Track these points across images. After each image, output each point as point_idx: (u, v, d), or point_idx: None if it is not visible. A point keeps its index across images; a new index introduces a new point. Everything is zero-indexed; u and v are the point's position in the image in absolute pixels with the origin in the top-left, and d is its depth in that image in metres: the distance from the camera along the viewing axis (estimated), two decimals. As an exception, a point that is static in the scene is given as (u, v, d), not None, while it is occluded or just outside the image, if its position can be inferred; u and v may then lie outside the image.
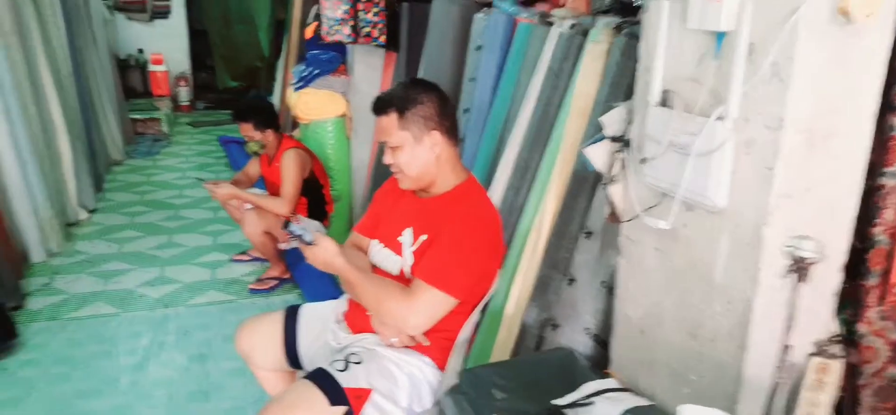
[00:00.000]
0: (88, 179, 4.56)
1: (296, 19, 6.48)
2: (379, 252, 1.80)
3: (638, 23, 1.84)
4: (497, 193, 2.29)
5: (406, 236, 1.72)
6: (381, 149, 3.76)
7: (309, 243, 1.70)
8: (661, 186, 1.39)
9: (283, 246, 3.58)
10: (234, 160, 5.69)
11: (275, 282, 3.50)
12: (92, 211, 4.47)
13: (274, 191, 3.47)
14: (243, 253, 3.86)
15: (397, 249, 1.73)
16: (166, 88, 7.89)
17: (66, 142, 4.19)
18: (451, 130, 1.69)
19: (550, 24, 2.30)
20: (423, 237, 1.66)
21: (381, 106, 1.67)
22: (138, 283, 3.46)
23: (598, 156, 1.55)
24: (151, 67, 7.82)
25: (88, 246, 3.91)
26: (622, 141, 1.49)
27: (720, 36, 1.28)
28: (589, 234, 1.76)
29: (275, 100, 7.24)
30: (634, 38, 1.77)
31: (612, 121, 1.53)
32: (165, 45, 7.99)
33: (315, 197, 3.58)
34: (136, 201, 4.79)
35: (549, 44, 2.18)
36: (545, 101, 2.13)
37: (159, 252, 3.88)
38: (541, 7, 2.87)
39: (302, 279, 3.47)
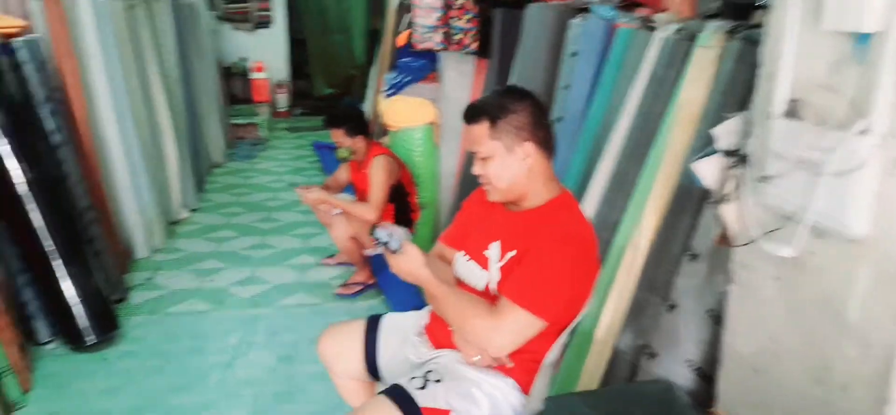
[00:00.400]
0: (191, 180, 4.80)
1: (390, 28, 6.57)
2: (464, 265, 1.73)
3: (754, 26, 1.66)
4: (591, 206, 2.16)
5: (493, 251, 1.64)
6: (469, 158, 3.72)
7: (394, 251, 1.65)
8: (785, 207, 1.22)
9: (368, 252, 3.61)
10: (327, 165, 5.82)
11: (360, 287, 3.51)
12: (193, 210, 4.69)
13: (362, 197, 3.48)
14: (331, 257, 3.91)
15: (484, 263, 1.65)
16: (266, 95, 8.22)
17: (172, 145, 4.43)
18: (546, 141, 1.59)
19: (652, 28, 2.15)
20: (512, 253, 1.57)
21: (473, 114, 1.59)
22: (231, 282, 3.57)
23: (709, 171, 1.39)
24: (253, 75, 8.18)
25: (188, 244, 4.10)
26: (737, 156, 1.33)
27: (863, 38, 1.10)
28: (693, 256, 1.60)
29: (367, 107, 7.38)
30: (751, 42, 1.60)
31: (726, 133, 1.37)
32: (267, 53, 8.35)
33: (401, 204, 3.56)
34: (234, 202, 4.99)
35: (652, 49, 2.02)
36: (646, 110, 1.98)
37: (252, 252, 4.00)
38: (641, 12, 2.71)
39: (386, 286, 3.46)
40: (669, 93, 1.90)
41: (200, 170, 5.27)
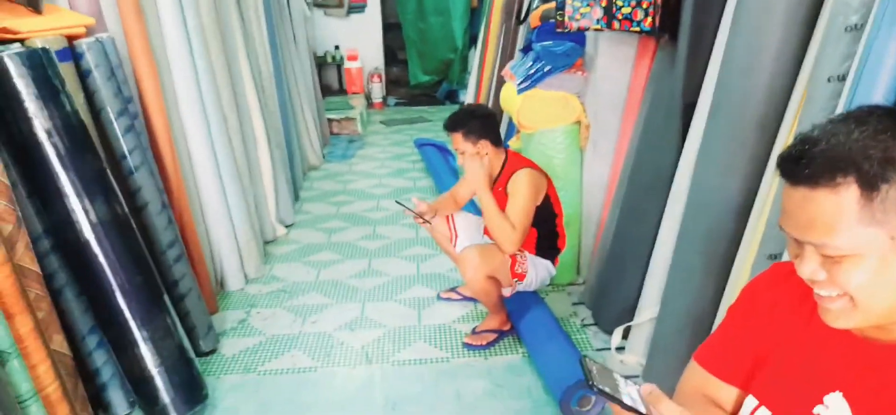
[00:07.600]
0: (287, 191, 4.23)
1: (497, 4, 5.76)
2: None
3: None
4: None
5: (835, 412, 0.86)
6: (630, 165, 2.82)
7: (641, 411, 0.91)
8: None
9: (507, 292, 2.87)
10: (432, 165, 5.11)
11: (494, 335, 2.78)
12: (289, 226, 4.12)
13: (495, 221, 2.73)
14: (452, 290, 3.21)
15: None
16: (360, 85, 7.66)
17: (266, 154, 3.86)
18: None
19: None
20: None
21: (817, 165, 0.77)
22: (338, 324, 2.93)
23: None
24: (347, 64, 7.63)
25: (286, 270, 3.51)
26: None
27: None
28: None
29: (469, 97, 6.63)
30: None
31: None
32: (360, 40, 7.77)
33: (547, 229, 2.79)
34: (333, 215, 4.39)
35: None
36: None
37: (358, 282, 3.36)
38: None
39: (528, 334, 2.70)
40: None
41: (295, 176, 4.71)
